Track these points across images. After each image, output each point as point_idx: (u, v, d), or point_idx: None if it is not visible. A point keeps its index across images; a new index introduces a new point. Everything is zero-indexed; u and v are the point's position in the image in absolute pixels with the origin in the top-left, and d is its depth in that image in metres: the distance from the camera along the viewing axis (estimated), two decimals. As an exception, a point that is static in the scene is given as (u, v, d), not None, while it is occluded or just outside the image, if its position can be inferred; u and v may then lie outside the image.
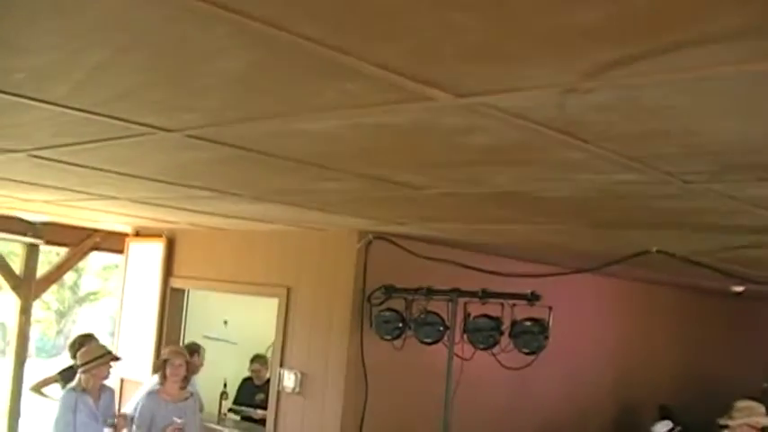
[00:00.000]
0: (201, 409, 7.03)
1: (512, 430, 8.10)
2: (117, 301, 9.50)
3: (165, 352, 6.84)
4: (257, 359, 8.66)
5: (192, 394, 6.79)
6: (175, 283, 8.58)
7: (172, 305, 8.57)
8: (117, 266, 9.40)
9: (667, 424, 8.79)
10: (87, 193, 5.76)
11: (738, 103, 2.27)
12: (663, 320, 10.70)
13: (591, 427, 9.26)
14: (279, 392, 7.25)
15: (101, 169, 4.46)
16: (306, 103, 2.64)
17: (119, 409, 7.04)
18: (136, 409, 6.61)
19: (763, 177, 3.19)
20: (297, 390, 7.08)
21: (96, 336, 7.21)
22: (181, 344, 7.97)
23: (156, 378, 6.77)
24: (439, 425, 5.89)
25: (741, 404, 6.59)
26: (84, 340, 6.87)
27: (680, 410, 9.31)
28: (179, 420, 6.46)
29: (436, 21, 1.80)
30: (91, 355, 6.42)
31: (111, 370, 6.59)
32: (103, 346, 6.72)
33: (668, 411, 9.22)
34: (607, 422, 9.71)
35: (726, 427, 6.62)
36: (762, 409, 6.60)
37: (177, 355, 6.67)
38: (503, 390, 8.02)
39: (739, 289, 8.40)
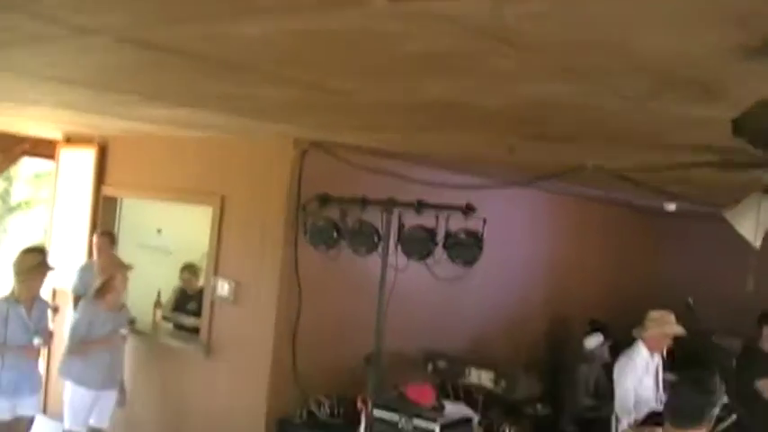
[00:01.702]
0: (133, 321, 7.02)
1: (443, 340, 8.22)
2: (48, 210, 9.33)
3: (111, 267, 6.77)
4: (187, 268, 8.61)
5: (124, 304, 6.77)
6: (107, 191, 8.45)
7: (105, 214, 8.45)
8: (50, 174, 9.20)
9: (598, 338, 8.98)
10: (14, 99, 5.60)
11: (677, 17, 2.25)
12: (595, 236, 10.88)
13: (522, 339, 9.43)
14: (212, 301, 7.24)
15: (28, 73, 4.33)
16: (238, 4, 2.56)
17: (52, 321, 6.99)
18: (75, 317, 6.56)
19: (701, 95, 3.19)
20: (231, 298, 7.08)
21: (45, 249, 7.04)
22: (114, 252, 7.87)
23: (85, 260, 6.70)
24: (371, 334, 5.93)
25: (654, 314, 6.78)
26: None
27: (610, 325, 9.51)
28: (124, 331, 6.46)
29: None
30: (25, 265, 6.32)
31: (45, 280, 6.51)
32: (40, 256, 6.59)
33: (599, 325, 9.40)
34: (538, 335, 9.89)
35: (639, 338, 6.80)
36: (672, 317, 6.79)
37: (124, 269, 6.68)
38: (435, 300, 8.10)
39: (672, 207, 8.54)
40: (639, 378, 6.64)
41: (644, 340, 6.72)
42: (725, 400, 6.73)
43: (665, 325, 6.72)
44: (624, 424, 6.57)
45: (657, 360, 6.88)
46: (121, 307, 6.61)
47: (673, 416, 3.57)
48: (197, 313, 7.80)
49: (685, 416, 3.52)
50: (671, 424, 3.55)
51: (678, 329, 6.78)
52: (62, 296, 8.29)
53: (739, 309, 10.10)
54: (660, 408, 6.17)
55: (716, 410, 3.57)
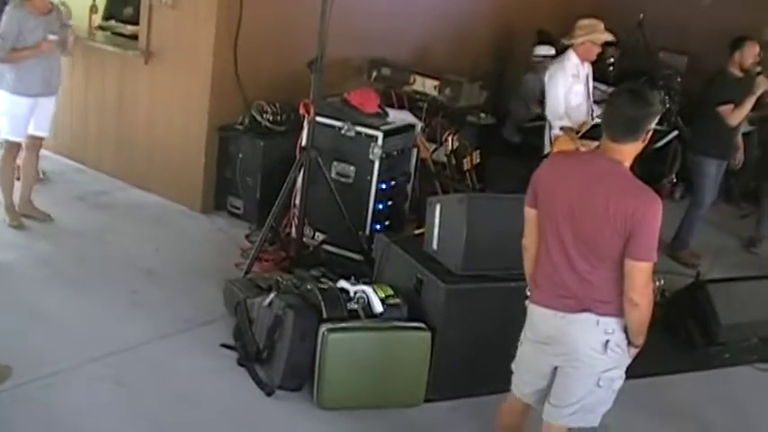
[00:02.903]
0: (70, 17, 6.68)
1: (389, 48, 8.07)
2: None
3: None
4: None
5: (54, 6, 6.42)
6: None
7: None
8: None
9: (549, 48, 8.89)
10: None
11: None
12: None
13: (468, 48, 9.31)
14: (150, 5, 6.96)
15: None
16: None
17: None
18: (2, 22, 6.25)
19: None
20: (169, 2, 6.81)
21: None
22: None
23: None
24: (315, 40, 5.77)
25: (583, 22, 6.71)
26: None
27: (557, 35, 9.39)
28: (53, 37, 6.18)
29: None
30: None
31: None
32: None
33: (547, 36, 9.29)
34: (485, 44, 9.76)
35: (569, 46, 6.76)
36: (601, 25, 6.72)
37: None
38: (382, 7, 7.92)
39: None
40: (569, 85, 6.67)
41: (574, 48, 6.69)
42: (665, 114, 6.93)
43: (593, 33, 6.67)
44: (556, 130, 6.66)
45: (588, 69, 6.91)
46: (50, 11, 6.27)
47: (608, 127, 3.53)
48: (134, 21, 7.53)
49: (620, 127, 3.48)
50: (607, 136, 3.52)
51: (607, 36, 6.75)
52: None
53: (687, 27, 10.09)
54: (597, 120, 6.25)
55: (652, 124, 3.52)
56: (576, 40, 6.66)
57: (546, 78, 6.79)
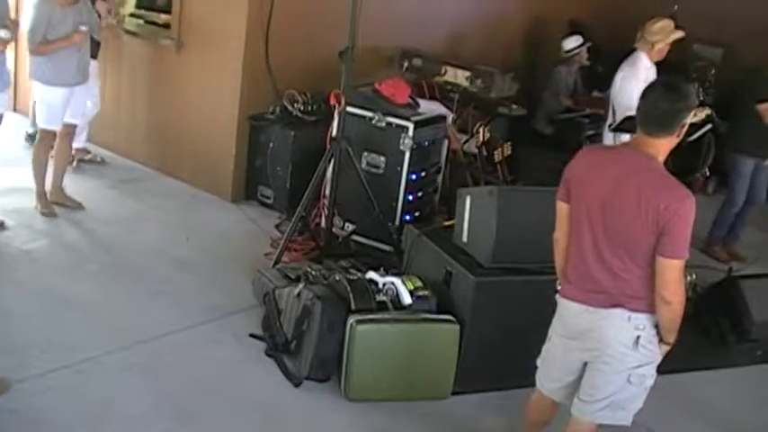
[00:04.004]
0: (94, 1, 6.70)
1: (420, 38, 8.04)
2: None
3: None
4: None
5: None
6: None
7: None
8: None
9: (578, 39, 8.82)
10: None
11: None
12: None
13: (500, 39, 9.26)
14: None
15: None
16: None
17: (17, 14, 6.73)
18: (31, 16, 6.26)
19: None
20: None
21: None
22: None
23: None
24: (346, 28, 5.74)
25: (656, 25, 6.48)
26: None
27: (590, 27, 9.33)
28: (84, 28, 6.19)
29: None
30: None
31: None
32: None
33: (578, 27, 9.23)
34: (517, 35, 9.71)
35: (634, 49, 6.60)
36: (672, 24, 6.56)
37: None
38: (413, 0, 7.90)
39: None
40: (642, 89, 6.52)
41: (647, 51, 6.49)
42: (705, 109, 6.79)
43: (670, 35, 6.50)
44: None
45: (654, 69, 6.74)
46: (76, 0, 6.27)
47: (642, 121, 3.48)
48: (167, 10, 7.54)
49: (655, 121, 3.43)
50: (641, 129, 3.48)
51: (680, 34, 6.58)
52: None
53: (723, 18, 9.96)
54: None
55: (687, 117, 3.46)
56: (658, 45, 6.44)
57: (617, 80, 6.52)
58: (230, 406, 4.46)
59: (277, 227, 6.65)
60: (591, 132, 8.17)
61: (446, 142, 6.99)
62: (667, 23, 6.51)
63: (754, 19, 8.22)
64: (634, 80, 6.27)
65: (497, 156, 7.36)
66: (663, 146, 3.48)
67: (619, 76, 6.50)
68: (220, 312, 5.34)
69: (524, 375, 4.03)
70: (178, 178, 7.34)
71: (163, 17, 7.69)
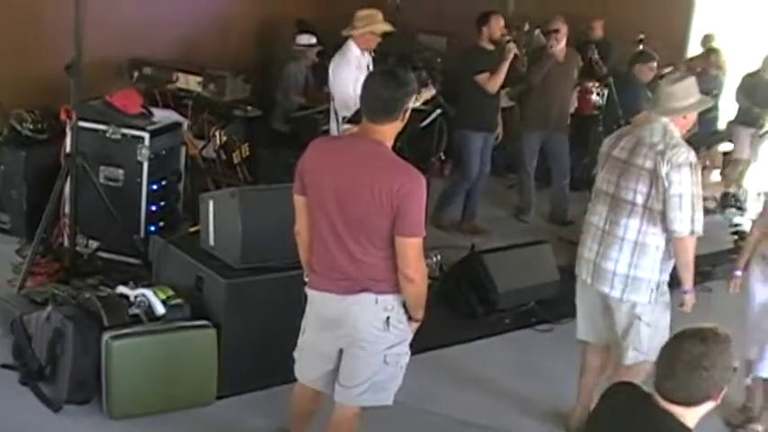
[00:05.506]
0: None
1: (149, 47, 7.98)
2: None
3: None
4: None
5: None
6: None
7: None
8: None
9: (310, 37, 8.99)
10: None
11: None
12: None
13: (230, 41, 9.34)
14: None
15: None
16: None
17: None
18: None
19: None
20: None
21: None
22: None
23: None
24: (71, 40, 5.60)
25: (362, 13, 6.80)
26: None
27: (318, 26, 9.48)
28: None
29: None
30: None
31: None
32: None
33: (307, 26, 9.40)
34: (247, 36, 9.78)
35: (348, 37, 6.87)
36: (380, 15, 6.88)
37: None
38: (138, 8, 7.81)
39: None
40: (355, 76, 6.76)
41: (354, 39, 6.76)
42: (430, 89, 7.17)
43: (373, 23, 6.78)
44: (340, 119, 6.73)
45: (368, 58, 7.02)
46: None
47: (367, 109, 3.63)
48: None
49: (378, 109, 3.57)
50: (366, 117, 3.62)
51: (386, 26, 6.90)
52: None
53: (442, 10, 10.48)
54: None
55: (409, 102, 3.63)
56: (356, 31, 6.68)
57: (330, 70, 6.74)
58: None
59: (18, 252, 6.38)
60: (326, 127, 8.37)
61: (184, 149, 6.98)
62: (374, 12, 6.76)
63: (470, 8, 8.67)
64: (346, 67, 6.53)
65: (236, 158, 7.44)
66: (389, 131, 3.65)
67: (331, 66, 6.76)
68: (-36, 348, 5.09)
69: (287, 371, 4.11)
70: None
71: None
